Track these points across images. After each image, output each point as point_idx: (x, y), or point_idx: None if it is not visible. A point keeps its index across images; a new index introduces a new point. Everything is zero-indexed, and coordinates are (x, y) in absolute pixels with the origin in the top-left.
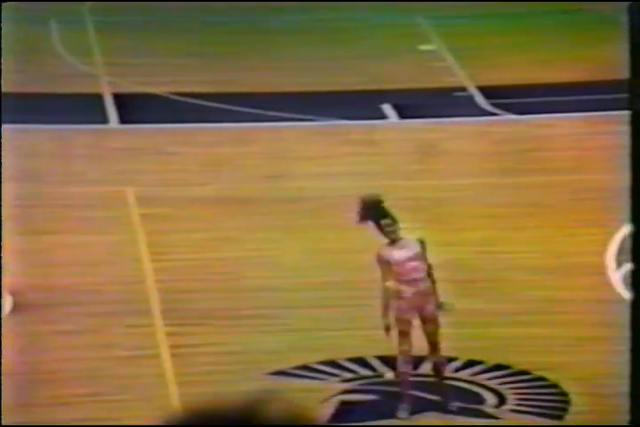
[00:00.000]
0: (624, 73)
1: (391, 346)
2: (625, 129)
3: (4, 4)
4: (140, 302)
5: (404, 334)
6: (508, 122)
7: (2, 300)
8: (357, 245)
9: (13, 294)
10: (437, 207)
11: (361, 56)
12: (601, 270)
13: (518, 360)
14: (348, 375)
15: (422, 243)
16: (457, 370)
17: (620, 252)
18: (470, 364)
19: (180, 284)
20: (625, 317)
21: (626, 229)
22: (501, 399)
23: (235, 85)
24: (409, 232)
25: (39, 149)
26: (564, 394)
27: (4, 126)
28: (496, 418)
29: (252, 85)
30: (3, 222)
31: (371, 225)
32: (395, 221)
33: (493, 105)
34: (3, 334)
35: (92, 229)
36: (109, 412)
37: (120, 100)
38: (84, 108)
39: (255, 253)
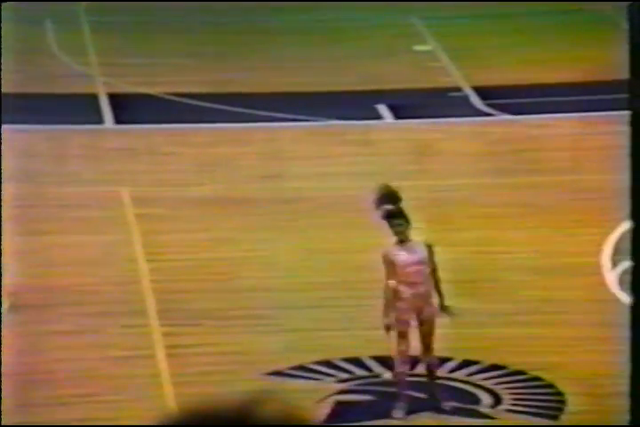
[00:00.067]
0: (624, 73)
1: (389, 346)
2: (624, 129)
3: (3, 4)
4: (136, 302)
5: (403, 335)
6: (504, 122)
7: (0, 300)
8: (353, 245)
9: (9, 294)
10: (433, 207)
11: (356, 56)
12: (598, 271)
13: (514, 360)
14: (344, 376)
15: (430, 247)
16: (453, 370)
17: (616, 252)
18: (466, 364)
19: (176, 284)
20: (621, 317)
21: (621, 229)
22: (497, 399)
23: (230, 86)
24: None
25: (34, 149)
26: (559, 394)
27: (4, 126)
28: (492, 418)
29: (247, 86)
30: (1, 223)
31: (379, 220)
32: (407, 222)
33: (489, 105)
34: (2, 335)
35: (88, 229)
36: (105, 412)
37: (115, 100)
38: (80, 109)
39: (250, 254)
